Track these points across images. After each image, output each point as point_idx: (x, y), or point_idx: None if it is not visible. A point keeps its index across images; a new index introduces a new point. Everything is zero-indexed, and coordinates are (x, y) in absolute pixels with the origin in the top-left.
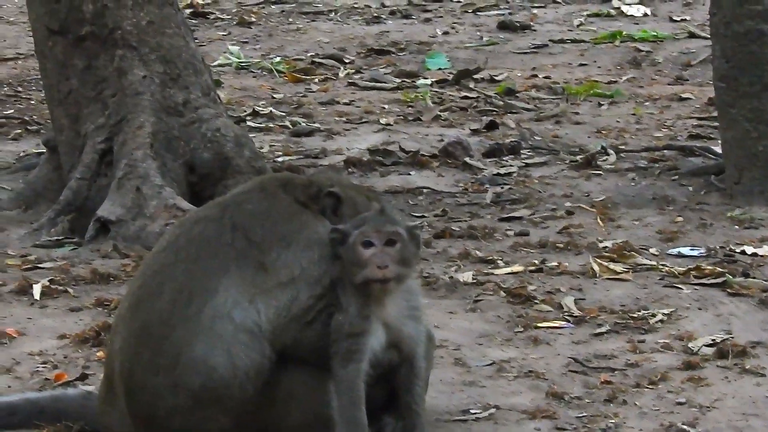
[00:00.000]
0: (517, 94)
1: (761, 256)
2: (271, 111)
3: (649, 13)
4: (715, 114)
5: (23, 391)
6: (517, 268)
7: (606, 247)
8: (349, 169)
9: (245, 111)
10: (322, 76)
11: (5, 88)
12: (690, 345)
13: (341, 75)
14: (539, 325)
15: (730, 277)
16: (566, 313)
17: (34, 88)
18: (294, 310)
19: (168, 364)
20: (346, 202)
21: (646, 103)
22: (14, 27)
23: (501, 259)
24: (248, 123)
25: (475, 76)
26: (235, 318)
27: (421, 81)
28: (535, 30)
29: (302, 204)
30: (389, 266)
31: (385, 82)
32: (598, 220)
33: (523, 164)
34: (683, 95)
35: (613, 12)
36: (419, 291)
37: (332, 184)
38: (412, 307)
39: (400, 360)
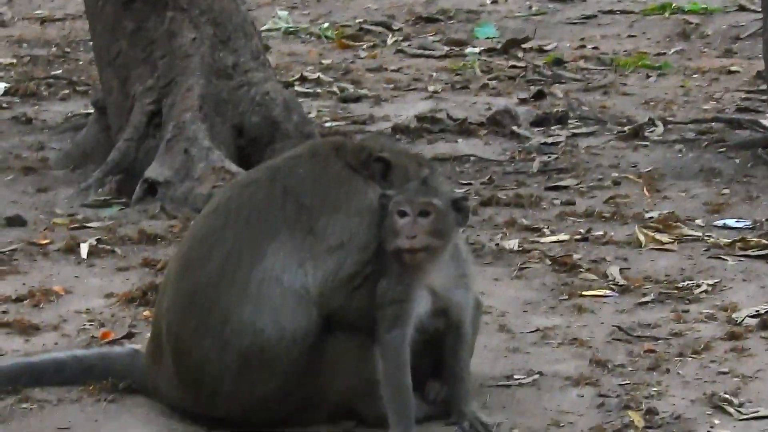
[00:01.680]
0: (566, 65)
1: None
2: (318, 77)
3: None
4: (763, 87)
5: (71, 348)
6: (562, 236)
7: (652, 217)
8: (397, 136)
9: (293, 76)
10: (371, 43)
11: (54, 49)
12: (734, 316)
13: (389, 42)
14: (584, 293)
15: None
16: (611, 282)
17: (82, 49)
18: (341, 276)
19: (216, 327)
20: (396, 168)
21: (695, 76)
22: None
23: (547, 228)
24: (296, 88)
25: (524, 46)
26: (284, 281)
27: (470, 50)
28: (584, 0)
29: (353, 169)
30: (417, 237)
31: (433, 50)
32: (645, 190)
33: (571, 134)
34: (732, 68)
35: None
36: (470, 259)
37: (382, 149)
38: (462, 275)
39: (446, 327)
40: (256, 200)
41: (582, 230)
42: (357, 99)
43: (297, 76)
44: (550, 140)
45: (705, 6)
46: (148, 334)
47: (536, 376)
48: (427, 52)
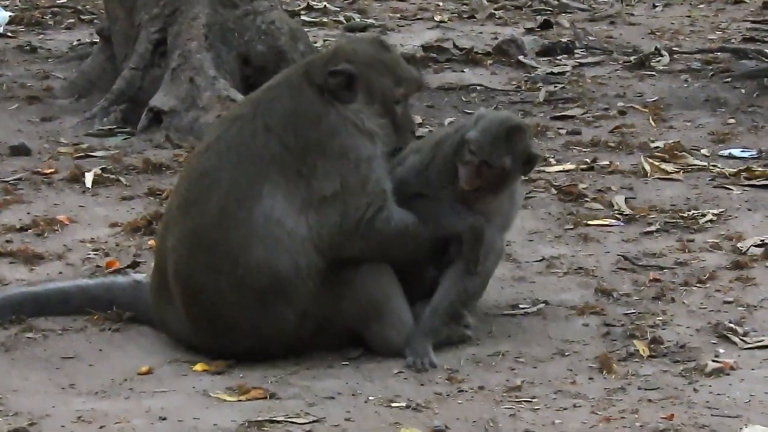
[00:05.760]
0: None
1: None
2: (325, 6)
3: None
4: None
5: (75, 278)
6: (568, 166)
7: (657, 147)
8: None
9: (299, 5)
10: None
11: None
12: (739, 245)
13: None
14: (589, 222)
15: None
16: (616, 212)
17: None
18: (346, 226)
19: (228, 266)
20: (360, 79)
21: (701, 6)
22: None
23: (553, 157)
24: (302, 17)
25: None
26: (287, 224)
27: None
28: None
29: (324, 95)
30: (476, 181)
31: None
32: (651, 120)
33: (577, 64)
34: None
35: None
36: (518, 206)
37: (348, 60)
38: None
39: (460, 254)
40: (242, 139)
41: (588, 160)
42: (363, 28)
43: (303, 5)
44: (556, 70)
45: None
46: (153, 264)
47: (542, 305)
48: None
